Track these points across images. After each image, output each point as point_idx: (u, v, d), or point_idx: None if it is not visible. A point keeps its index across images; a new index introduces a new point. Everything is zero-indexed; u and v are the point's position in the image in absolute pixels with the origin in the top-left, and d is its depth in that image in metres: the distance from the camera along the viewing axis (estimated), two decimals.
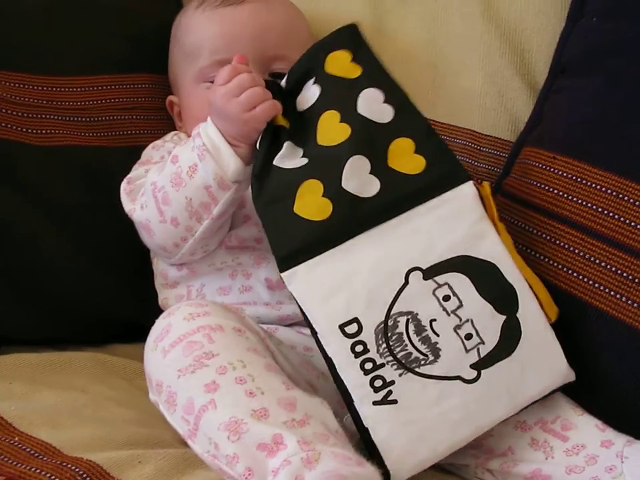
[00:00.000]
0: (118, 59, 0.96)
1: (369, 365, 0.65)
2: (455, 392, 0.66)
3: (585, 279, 0.74)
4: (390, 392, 0.64)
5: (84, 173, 0.90)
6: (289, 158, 0.70)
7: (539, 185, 0.80)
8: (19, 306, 0.85)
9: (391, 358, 0.65)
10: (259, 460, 0.59)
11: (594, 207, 0.75)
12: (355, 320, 0.65)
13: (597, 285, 0.73)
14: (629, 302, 0.71)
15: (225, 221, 0.80)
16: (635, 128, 0.75)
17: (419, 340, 0.66)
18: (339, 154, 0.69)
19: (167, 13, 1.00)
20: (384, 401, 0.64)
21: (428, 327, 0.66)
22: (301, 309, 0.67)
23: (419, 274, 0.67)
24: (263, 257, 0.82)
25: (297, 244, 0.66)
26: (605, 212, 0.74)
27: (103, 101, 0.94)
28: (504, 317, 0.68)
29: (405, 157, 0.70)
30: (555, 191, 0.79)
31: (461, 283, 0.67)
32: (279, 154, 0.71)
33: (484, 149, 0.93)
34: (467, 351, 0.66)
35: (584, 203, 0.76)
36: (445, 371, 0.66)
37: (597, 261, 0.74)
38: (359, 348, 0.65)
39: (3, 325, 0.85)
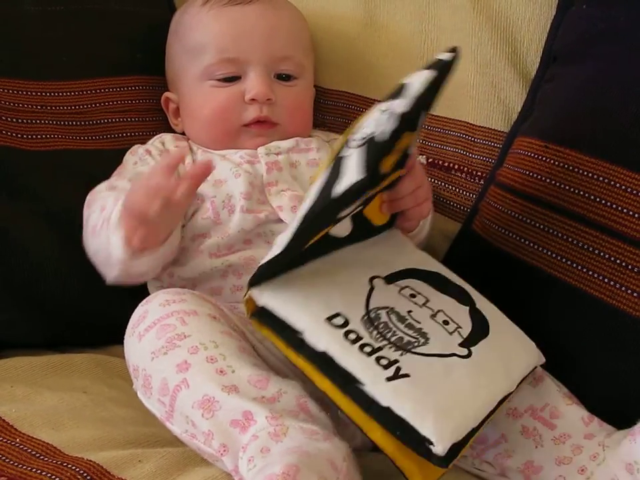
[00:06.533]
0: (111, 62, 0.97)
1: (367, 349, 0.63)
2: (457, 365, 0.65)
3: (579, 267, 0.74)
4: (399, 368, 0.62)
5: (80, 177, 0.90)
6: None
7: (531, 174, 0.81)
8: (18, 310, 0.85)
9: (385, 342, 0.64)
10: (233, 436, 0.61)
11: (586, 194, 0.75)
12: (339, 314, 0.65)
13: (590, 273, 0.73)
14: (623, 289, 0.71)
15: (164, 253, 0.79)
16: (626, 114, 0.75)
17: (405, 326, 0.66)
18: None
19: (159, 15, 1.01)
20: (397, 376, 0.61)
21: (407, 317, 0.67)
22: (276, 319, 0.64)
23: (380, 280, 0.70)
24: (252, 258, 0.82)
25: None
26: (598, 199, 0.74)
27: (97, 104, 0.94)
28: (467, 307, 0.71)
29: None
30: (547, 180, 0.79)
31: (420, 285, 0.71)
32: None
33: (478, 141, 0.93)
34: (450, 333, 0.68)
35: (576, 191, 0.76)
36: (440, 350, 0.65)
37: (591, 249, 0.74)
38: (352, 336, 0.63)
39: (4, 330, 0.85)
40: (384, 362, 0.62)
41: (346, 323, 0.64)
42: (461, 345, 0.67)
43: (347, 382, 0.61)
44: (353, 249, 0.73)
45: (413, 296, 0.70)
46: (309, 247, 0.66)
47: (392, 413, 0.59)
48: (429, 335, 0.66)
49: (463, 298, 0.72)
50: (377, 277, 0.70)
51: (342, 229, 0.71)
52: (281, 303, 0.65)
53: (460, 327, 0.69)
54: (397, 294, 0.69)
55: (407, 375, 0.62)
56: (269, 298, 0.65)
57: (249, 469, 0.59)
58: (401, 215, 0.78)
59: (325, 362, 0.62)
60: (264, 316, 0.65)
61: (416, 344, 0.65)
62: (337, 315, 0.64)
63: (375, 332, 0.64)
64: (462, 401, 0.63)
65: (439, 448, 0.58)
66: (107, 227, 0.76)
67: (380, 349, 0.63)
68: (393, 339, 0.64)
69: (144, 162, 0.88)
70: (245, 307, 0.66)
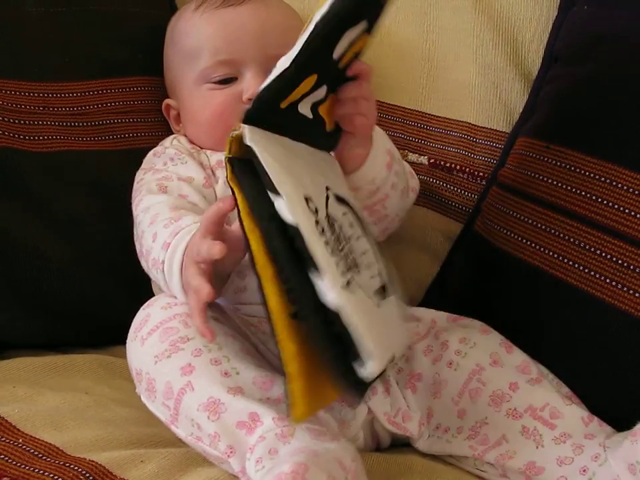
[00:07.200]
0: (113, 63, 0.96)
1: (329, 249, 0.56)
2: (373, 308, 0.61)
3: (581, 267, 0.74)
4: (349, 282, 0.57)
5: (82, 178, 0.90)
6: None
7: (532, 174, 0.81)
8: (20, 311, 0.85)
9: (339, 252, 0.58)
10: (239, 438, 0.61)
11: (588, 195, 0.75)
12: (311, 199, 0.57)
13: (592, 273, 0.73)
14: (625, 289, 0.71)
15: None
16: (628, 115, 0.76)
17: (348, 249, 0.61)
18: None
19: (161, 15, 1.00)
20: (347, 287, 0.56)
21: (349, 242, 0.62)
22: (252, 172, 0.56)
23: (332, 193, 0.64)
24: None
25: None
26: (599, 200, 0.74)
27: (99, 105, 0.94)
28: (380, 264, 0.66)
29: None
30: (549, 180, 0.79)
31: (354, 220, 0.65)
32: None
33: (480, 141, 0.93)
34: (371, 278, 0.63)
35: (578, 192, 0.76)
36: (365, 285, 0.61)
37: (593, 249, 0.74)
38: (319, 228, 0.57)
39: (7, 331, 0.85)
40: (341, 267, 0.57)
41: (317, 212, 0.58)
42: (375, 293, 0.62)
43: (300, 268, 0.55)
44: (310, 151, 0.66)
45: (351, 225, 0.64)
46: (281, 114, 0.59)
47: (339, 319, 0.54)
48: (360, 269, 0.61)
49: (378, 252, 0.67)
50: (330, 189, 0.63)
51: (305, 112, 0.64)
52: (270, 154, 0.56)
53: (375, 277, 0.63)
54: (342, 215, 0.63)
55: (352, 292, 0.57)
56: (260, 142, 0.56)
57: (257, 469, 0.59)
58: (345, 133, 0.71)
59: (286, 237, 0.55)
60: (242, 162, 0.57)
61: (355, 270, 0.60)
62: (310, 199, 0.58)
63: (333, 237, 0.58)
64: (387, 332, 0.61)
65: (372, 369, 0.54)
66: (167, 265, 0.71)
67: (336, 255, 0.57)
68: (342, 253, 0.59)
69: (180, 160, 0.87)
70: (227, 145, 0.57)
